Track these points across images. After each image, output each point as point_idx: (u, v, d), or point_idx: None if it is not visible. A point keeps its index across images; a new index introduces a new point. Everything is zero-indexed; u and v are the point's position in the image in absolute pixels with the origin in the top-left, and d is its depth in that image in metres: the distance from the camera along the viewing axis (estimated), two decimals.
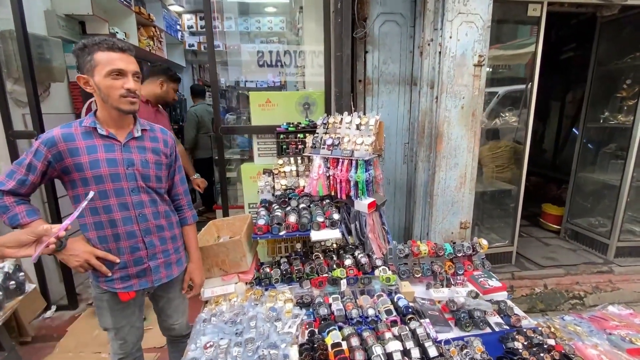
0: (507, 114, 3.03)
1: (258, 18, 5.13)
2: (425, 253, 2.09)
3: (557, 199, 4.49)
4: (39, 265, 2.60)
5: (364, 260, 1.98)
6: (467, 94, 2.19)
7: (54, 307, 2.71)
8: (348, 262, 1.97)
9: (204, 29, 5.66)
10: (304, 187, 2.36)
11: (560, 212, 3.96)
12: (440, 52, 2.15)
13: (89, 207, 1.30)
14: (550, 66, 4.99)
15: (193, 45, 5.60)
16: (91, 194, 1.20)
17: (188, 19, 5.40)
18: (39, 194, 2.69)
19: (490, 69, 3.06)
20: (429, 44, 2.23)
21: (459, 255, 2.09)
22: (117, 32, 3.45)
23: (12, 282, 2.03)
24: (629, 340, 1.61)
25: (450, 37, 2.10)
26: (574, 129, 4.92)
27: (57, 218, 2.61)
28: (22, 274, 2.11)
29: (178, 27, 5.23)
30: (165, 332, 1.75)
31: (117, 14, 3.61)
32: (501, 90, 3.27)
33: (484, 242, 2.11)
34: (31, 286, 2.20)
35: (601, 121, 3.48)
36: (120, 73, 1.25)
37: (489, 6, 2.14)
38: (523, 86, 3.00)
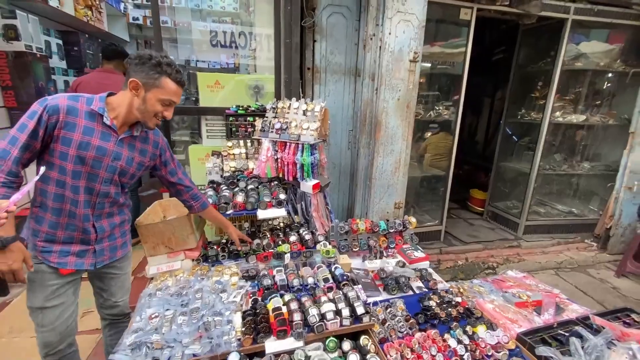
0: (440, 108, 3.37)
1: None
2: (363, 230, 2.32)
3: (485, 185, 5.09)
4: None
5: (307, 237, 2.15)
6: (403, 87, 2.43)
7: None
8: (293, 238, 2.13)
9: (150, 2, 5.31)
10: (252, 169, 2.45)
11: (484, 196, 4.52)
12: (380, 47, 2.34)
13: (55, 178, 1.28)
14: (483, 66, 5.54)
15: (137, 19, 5.21)
16: (42, 170, 1.17)
17: None
18: None
19: (430, 65, 3.36)
20: (371, 39, 2.41)
21: (392, 231, 2.36)
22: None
23: None
24: (518, 297, 2.00)
25: (390, 34, 2.30)
26: (500, 123, 5.57)
27: None
28: None
29: None
30: (106, 311, 1.69)
31: None
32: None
33: (413, 219, 2.40)
34: None
35: (519, 117, 4.02)
36: (170, 103, 1.36)
37: (424, 7, 2.36)
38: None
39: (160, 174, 1.62)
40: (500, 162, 4.28)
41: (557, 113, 3.70)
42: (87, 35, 4.15)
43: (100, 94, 1.37)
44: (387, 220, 2.39)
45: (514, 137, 4.21)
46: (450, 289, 1.95)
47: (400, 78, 2.40)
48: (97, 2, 4.14)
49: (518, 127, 4.14)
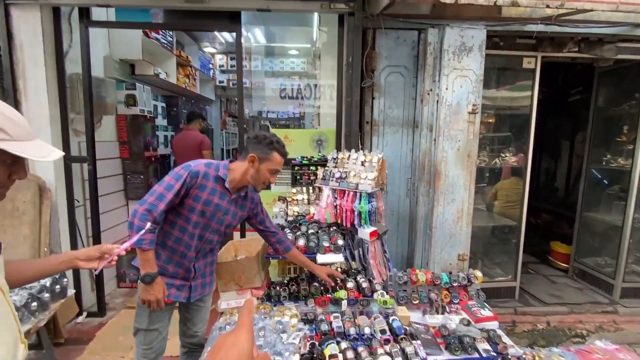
0: (507, 154, 3.24)
1: (282, 59, 5.66)
2: (423, 282, 2.25)
3: (568, 237, 4.51)
4: (76, 274, 2.92)
5: (365, 284, 2.17)
6: (462, 138, 2.45)
7: (85, 313, 2.99)
8: (350, 285, 2.17)
9: (234, 68, 6.26)
10: (313, 214, 2.61)
11: (568, 250, 4.00)
12: (438, 101, 2.45)
13: (180, 224, 1.63)
14: (558, 107, 5.20)
15: (222, 82, 6.19)
16: (148, 225, 1.44)
17: (220, 59, 6.03)
18: (82, 211, 3.08)
19: (494, 109, 3.31)
20: (428, 93, 2.54)
21: (455, 285, 2.24)
22: (159, 73, 3.98)
23: (58, 286, 2.33)
24: None
25: (447, 89, 2.40)
26: (583, 169, 5.02)
27: (97, 234, 2.97)
28: (66, 279, 2.41)
29: (210, 65, 5.85)
30: (187, 340, 1.94)
31: (161, 57, 4.17)
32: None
33: (479, 273, 2.26)
34: (71, 292, 2.50)
35: (604, 163, 3.62)
36: (276, 172, 1.72)
37: (481, 63, 2.44)
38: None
39: (252, 222, 1.94)
40: (585, 211, 3.81)
41: None
42: (183, 98, 5.04)
43: (224, 161, 1.72)
44: (450, 273, 2.30)
45: (604, 181, 3.75)
46: (523, 356, 1.76)
47: (459, 129, 2.44)
48: (193, 72, 5.07)
49: (604, 173, 3.71)
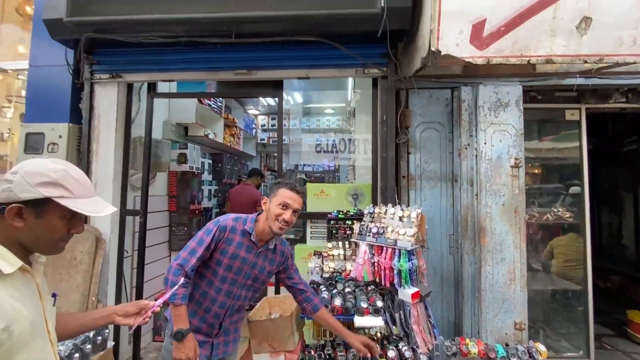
0: (560, 208, 2.99)
1: (318, 117, 6.02)
2: (475, 354, 2.00)
3: None
4: (116, 327, 2.99)
5: (407, 354, 1.97)
6: (507, 193, 2.33)
7: None
8: (391, 353, 1.98)
9: (274, 127, 6.72)
10: (350, 271, 2.52)
11: None
12: (477, 156, 2.41)
13: (208, 277, 1.66)
14: (613, 157, 4.84)
15: (263, 140, 6.67)
16: (181, 280, 1.50)
17: (262, 119, 6.57)
18: (129, 262, 3.26)
19: (537, 162, 3.15)
20: (466, 148, 2.51)
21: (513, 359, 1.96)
22: (209, 133, 4.40)
23: (99, 338, 2.39)
24: None
25: (485, 143, 2.37)
26: None
27: (140, 284, 3.09)
28: (107, 331, 2.48)
29: (253, 125, 6.37)
30: None
31: (211, 120, 4.64)
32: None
33: (542, 347, 1.98)
34: (110, 344, 2.54)
35: None
36: (286, 206, 1.68)
37: (519, 117, 2.42)
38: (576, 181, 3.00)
39: (280, 276, 1.88)
40: None
41: None
42: (228, 155, 5.44)
43: (252, 215, 1.76)
44: (507, 345, 2.03)
45: None
46: None
47: (502, 183, 2.34)
48: (238, 131, 5.52)
49: None
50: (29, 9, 4.70)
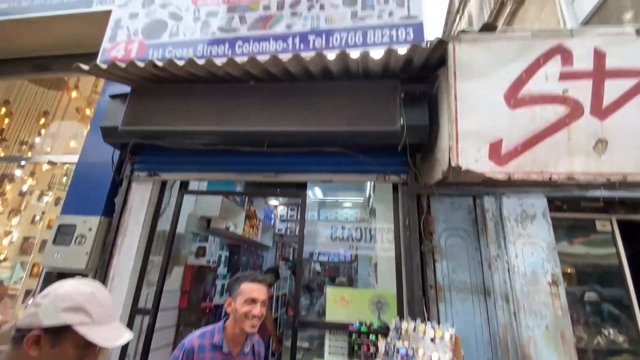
0: (610, 330, 2.65)
1: (336, 210, 6.11)
2: None
3: None
4: None
5: None
6: (549, 314, 2.11)
7: None
8: None
9: (292, 217, 6.80)
10: None
11: None
12: (508, 270, 2.28)
13: None
14: None
15: (281, 230, 6.70)
16: None
17: (281, 209, 6.72)
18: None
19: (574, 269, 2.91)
20: (495, 260, 2.40)
21: None
22: (230, 226, 4.46)
23: None
24: None
25: (516, 256, 2.27)
26: None
27: None
28: None
29: (272, 215, 6.48)
30: None
31: (233, 212, 4.77)
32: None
33: None
34: None
35: None
36: (253, 301, 1.64)
37: (548, 230, 2.35)
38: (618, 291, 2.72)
39: None
40: None
41: None
42: (245, 246, 5.40)
43: (219, 323, 1.71)
44: None
45: None
46: None
47: (541, 302, 2.15)
48: (258, 222, 5.60)
49: None
50: (88, 111, 5.44)
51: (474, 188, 2.69)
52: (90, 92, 5.43)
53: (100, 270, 2.97)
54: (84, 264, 2.93)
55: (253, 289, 1.65)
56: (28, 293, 4.90)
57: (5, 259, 5.74)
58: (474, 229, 2.65)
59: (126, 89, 3.15)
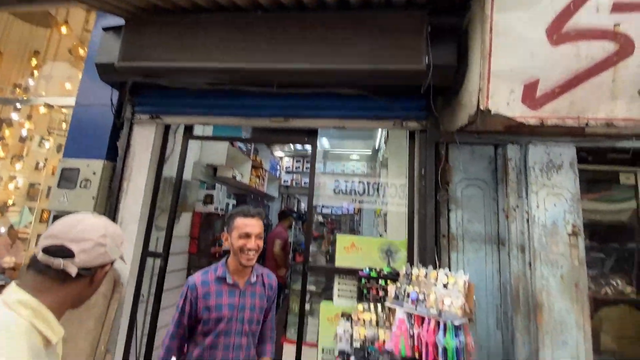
0: (618, 281, 2.67)
1: (343, 163, 5.99)
2: None
3: None
4: None
5: None
6: (565, 264, 2.08)
7: None
8: None
9: (298, 169, 6.71)
10: (384, 341, 2.25)
11: None
12: (528, 220, 2.21)
13: (203, 341, 1.57)
14: None
15: (287, 181, 6.66)
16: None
17: (287, 161, 6.61)
18: (143, 307, 3.08)
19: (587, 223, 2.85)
20: (514, 210, 2.32)
21: None
22: (236, 175, 4.39)
23: None
24: None
25: (538, 207, 2.18)
26: None
27: (152, 334, 2.88)
28: None
29: (278, 167, 6.40)
30: None
31: (239, 161, 4.67)
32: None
33: None
34: None
35: None
36: (247, 235, 1.65)
37: (574, 181, 2.23)
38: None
39: None
40: None
41: None
42: (251, 196, 5.39)
43: (222, 261, 1.74)
44: None
45: None
46: None
47: (559, 253, 2.10)
48: (264, 173, 5.52)
49: None
50: (81, 51, 5.08)
51: (497, 136, 2.53)
52: (82, 31, 5.02)
53: (108, 214, 2.94)
54: (91, 207, 2.89)
55: (246, 224, 1.65)
56: (39, 237, 5.01)
57: (13, 204, 5.81)
58: (493, 179, 2.54)
59: (121, 22, 2.85)
